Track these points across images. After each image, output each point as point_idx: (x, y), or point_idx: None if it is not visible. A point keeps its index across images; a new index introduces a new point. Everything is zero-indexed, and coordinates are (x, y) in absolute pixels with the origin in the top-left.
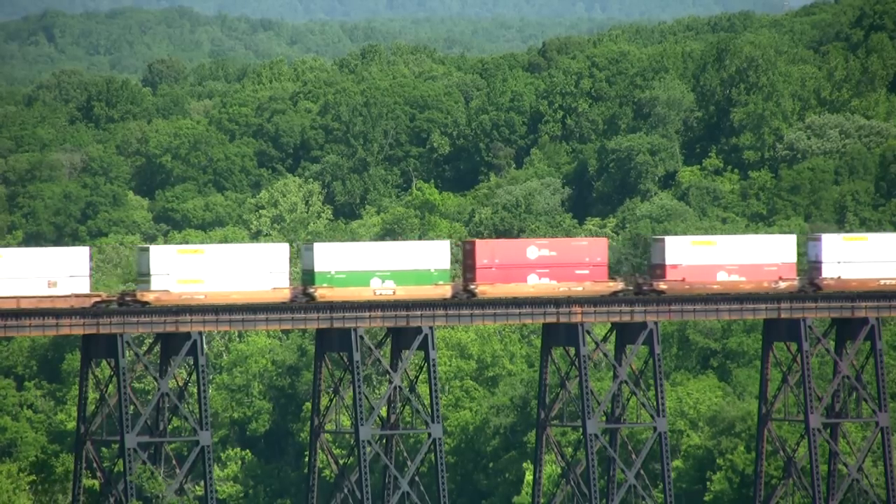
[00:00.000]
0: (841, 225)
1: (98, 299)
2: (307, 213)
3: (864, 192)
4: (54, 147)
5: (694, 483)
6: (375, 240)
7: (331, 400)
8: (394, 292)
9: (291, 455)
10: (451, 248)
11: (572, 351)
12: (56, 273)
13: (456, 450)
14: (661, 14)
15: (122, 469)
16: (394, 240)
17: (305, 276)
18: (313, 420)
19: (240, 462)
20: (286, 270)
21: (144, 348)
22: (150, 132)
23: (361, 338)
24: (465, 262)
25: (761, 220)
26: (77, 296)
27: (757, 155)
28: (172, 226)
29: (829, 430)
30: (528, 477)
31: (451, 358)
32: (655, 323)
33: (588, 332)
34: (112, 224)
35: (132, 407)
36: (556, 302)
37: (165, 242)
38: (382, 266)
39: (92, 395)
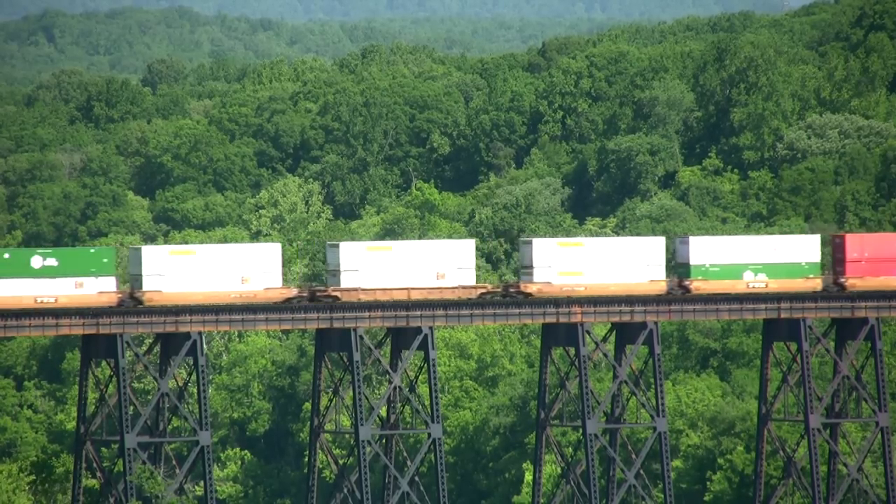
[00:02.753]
0: (841, 225)
1: (483, 291)
2: (307, 213)
3: (864, 192)
4: (54, 147)
5: (694, 483)
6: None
7: (330, 400)
8: (766, 285)
9: (291, 455)
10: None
11: (572, 351)
12: (444, 265)
13: (456, 450)
14: (661, 14)
15: (122, 469)
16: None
17: (680, 269)
18: (313, 420)
19: (240, 462)
20: (662, 263)
21: (144, 348)
22: (150, 132)
23: (361, 338)
24: (835, 256)
25: (761, 221)
26: (464, 287)
27: (757, 155)
28: (172, 226)
29: (829, 430)
30: (528, 477)
31: (451, 358)
32: (655, 323)
33: (588, 332)
34: (112, 224)
35: (132, 407)
36: (556, 302)
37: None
38: (755, 259)
39: (92, 395)
